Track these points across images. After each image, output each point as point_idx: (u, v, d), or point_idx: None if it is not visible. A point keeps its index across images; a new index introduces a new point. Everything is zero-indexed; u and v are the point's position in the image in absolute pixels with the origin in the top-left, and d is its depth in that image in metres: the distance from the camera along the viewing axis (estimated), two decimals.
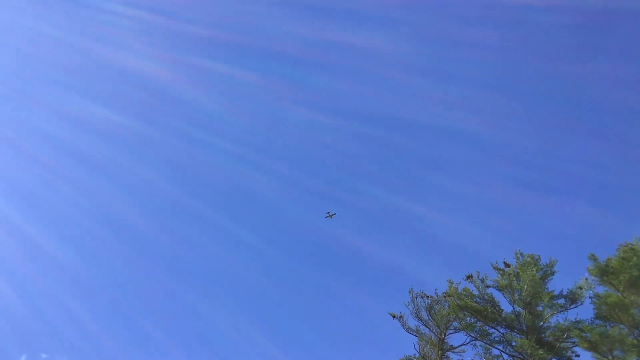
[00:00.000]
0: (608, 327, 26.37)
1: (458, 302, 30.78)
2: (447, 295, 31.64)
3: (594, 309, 27.44)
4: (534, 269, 28.85)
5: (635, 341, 24.75)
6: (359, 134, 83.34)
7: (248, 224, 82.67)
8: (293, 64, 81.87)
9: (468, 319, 31.10)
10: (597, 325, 26.98)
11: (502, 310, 30.20)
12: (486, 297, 30.58)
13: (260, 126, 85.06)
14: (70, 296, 70.80)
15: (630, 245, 26.13)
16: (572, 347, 28.56)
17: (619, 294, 25.93)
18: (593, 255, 27.51)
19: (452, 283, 31.63)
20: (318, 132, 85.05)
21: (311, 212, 78.72)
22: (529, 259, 29.77)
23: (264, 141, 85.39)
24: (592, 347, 26.44)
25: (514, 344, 29.38)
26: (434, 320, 32.59)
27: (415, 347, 33.03)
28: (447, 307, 31.93)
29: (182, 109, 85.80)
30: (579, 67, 69.87)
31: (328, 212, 52.85)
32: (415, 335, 33.16)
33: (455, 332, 32.16)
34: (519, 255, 30.49)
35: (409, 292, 33.53)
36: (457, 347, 32.10)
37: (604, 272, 26.73)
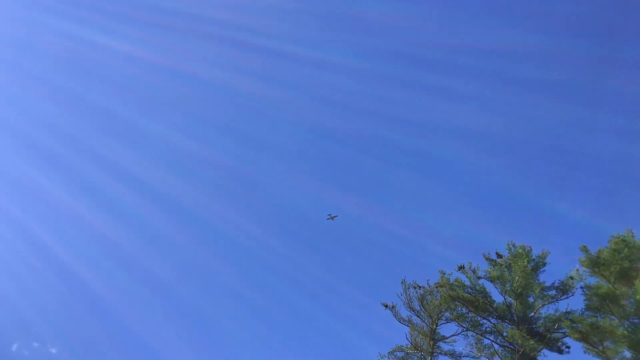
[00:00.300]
0: (599, 318, 26.39)
1: (450, 292, 30.83)
2: (439, 285, 31.68)
3: (584, 300, 27.46)
4: (526, 260, 28.85)
5: (625, 332, 24.76)
6: (359, 131, 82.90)
7: (251, 218, 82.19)
8: (295, 59, 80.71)
9: (460, 309, 31.23)
10: (587, 316, 27.02)
11: (494, 301, 30.29)
12: (478, 287, 30.61)
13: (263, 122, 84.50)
14: (64, 286, 70.66)
15: (621, 237, 26.10)
16: (562, 337, 28.71)
17: (610, 285, 25.92)
18: (585, 246, 27.49)
19: (444, 274, 31.61)
20: (318, 128, 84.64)
21: (312, 206, 78.39)
22: (520, 250, 29.76)
23: (266, 137, 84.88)
24: (583, 337, 26.51)
25: (505, 334, 29.56)
26: (426, 311, 32.69)
27: (407, 337, 33.24)
28: (439, 298, 32.01)
29: (182, 105, 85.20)
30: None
31: (329, 214, 52.58)
32: (408, 325, 33.35)
33: (447, 322, 32.35)
34: (511, 246, 30.47)
35: (402, 282, 33.66)
36: (449, 337, 32.33)
37: (595, 264, 26.71)
